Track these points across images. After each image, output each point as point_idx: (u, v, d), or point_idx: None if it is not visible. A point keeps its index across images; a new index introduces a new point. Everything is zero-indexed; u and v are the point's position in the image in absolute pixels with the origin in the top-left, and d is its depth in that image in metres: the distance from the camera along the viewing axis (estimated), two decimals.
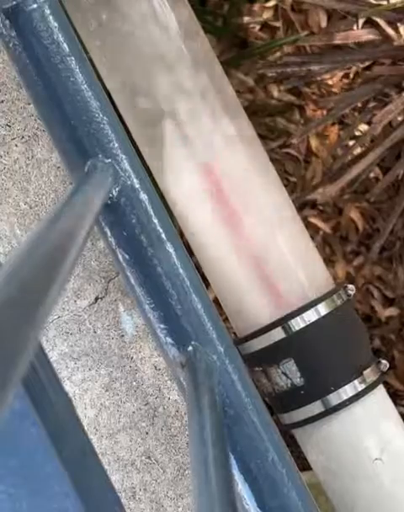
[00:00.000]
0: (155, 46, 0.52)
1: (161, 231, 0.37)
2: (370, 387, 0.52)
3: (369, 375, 0.52)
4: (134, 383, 0.46)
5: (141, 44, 0.52)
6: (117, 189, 0.37)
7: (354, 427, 0.52)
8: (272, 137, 1.24)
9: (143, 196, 0.37)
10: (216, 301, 0.57)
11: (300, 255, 0.54)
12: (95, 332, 0.46)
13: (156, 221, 0.37)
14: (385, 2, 1.02)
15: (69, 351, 0.46)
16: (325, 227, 1.26)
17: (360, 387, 0.52)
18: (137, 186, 0.37)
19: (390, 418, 0.53)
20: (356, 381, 0.52)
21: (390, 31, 1.01)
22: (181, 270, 0.37)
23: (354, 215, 1.24)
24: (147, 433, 0.45)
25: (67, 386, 0.45)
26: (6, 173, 0.46)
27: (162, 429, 0.45)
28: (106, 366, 0.46)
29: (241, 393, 0.36)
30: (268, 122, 1.23)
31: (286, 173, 1.25)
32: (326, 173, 1.22)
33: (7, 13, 0.37)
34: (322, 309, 0.52)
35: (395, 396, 1.25)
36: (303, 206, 1.25)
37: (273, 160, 1.31)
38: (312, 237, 1.26)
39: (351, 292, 0.54)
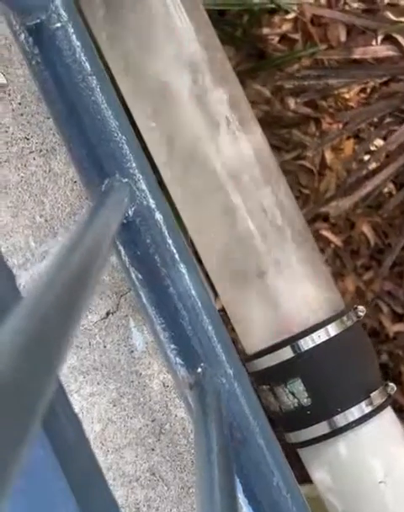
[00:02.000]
0: (174, 64, 0.52)
1: (175, 251, 0.37)
2: (377, 410, 0.52)
3: (377, 397, 0.52)
4: (141, 399, 0.46)
5: (162, 64, 0.52)
6: (133, 208, 0.37)
7: (360, 449, 0.52)
8: (287, 149, 1.24)
9: (158, 216, 0.37)
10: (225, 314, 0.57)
11: (312, 275, 0.54)
12: (105, 346, 0.46)
13: (170, 241, 0.37)
14: None
15: (78, 365, 0.46)
16: (336, 241, 1.25)
17: (367, 409, 0.52)
18: (153, 206, 0.37)
19: (396, 442, 0.53)
20: (363, 403, 0.52)
21: None
22: (193, 292, 0.37)
23: (366, 229, 1.23)
24: (153, 449, 0.46)
25: (75, 400, 0.46)
26: (23, 186, 0.46)
27: (168, 446, 0.46)
28: (115, 381, 0.46)
29: (249, 417, 0.37)
30: (283, 134, 1.23)
31: (300, 185, 1.25)
32: (339, 186, 1.22)
33: (30, 30, 0.37)
34: (332, 330, 0.52)
35: (400, 412, 1.25)
36: (315, 219, 1.25)
37: (287, 171, 1.32)
38: (323, 250, 1.27)
39: (361, 313, 0.54)
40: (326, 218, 1.24)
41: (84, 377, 0.46)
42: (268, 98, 1.22)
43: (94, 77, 0.37)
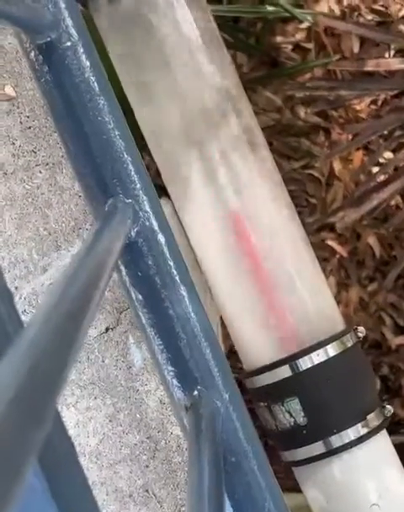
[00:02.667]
0: (187, 86, 0.52)
1: (175, 273, 0.37)
2: (373, 432, 0.52)
3: (373, 419, 0.52)
4: (137, 415, 0.46)
5: (174, 85, 0.52)
6: (136, 229, 0.37)
7: (354, 470, 0.52)
8: (295, 157, 1.24)
9: (161, 238, 0.37)
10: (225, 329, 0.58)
11: (314, 295, 0.54)
12: (103, 361, 0.46)
13: (171, 263, 0.37)
14: None
15: (76, 379, 0.46)
16: (342, 251, 1.25)
17: (363, 431, 0.52)
18: (156, 228, 0.37)
19: (390, 464, 0.53)
20: (359, 425, 0.52)
21: None
22: (192, 314, 0.37)
23: (372, 241, 1.23)
24: (147, 466, 0.46)
25: (72, 414, 0.46)
26: (28, 198, 0.46)
27: (162, 464, 0.46)
28: (111, 396, 0.46)
29: (243, 441, 0.37)
30: (292, 142, 1.23)
31: (307, 194, 1.25)
32: (347, 197, 1.22)
33: (40, 48, 0.37)
34: (331, 350, 0.52)
35: (398, 425, 1.24)
36: (321, 228, 1.25)
37: (294, 180, 1.32)
38: (328, 260, 1.27)
39: (361, 334, 0.54)
40: (332, 228, 1.24)
41: (81, 391, 0.46)
42: (278, 107, 1.22)
43: (102, 98, 0.37)
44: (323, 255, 1.26)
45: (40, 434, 0.21)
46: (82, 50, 0.37)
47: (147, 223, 0.37)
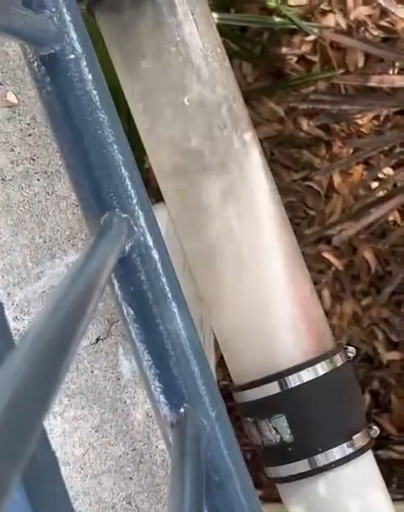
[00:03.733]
0: (189, 98, 0.52)
1: (168, 290, 0.37)
2: (358, 452, 0.52)
3: (359, 439, 0.52)
4: (124, 427, 0.46)
5: (175, 96, 0.52)
6: (130, 244, 0.37)
7: (338, 490, 0.52)
8: (296, 169, 1.25)
9: (155, 254, 0.37)
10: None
11: (306, 312, 0.54)
12: (92, 372, 0.46)
13: (164, 279, 0.37)
14: None
15: (64, 387, 0.46)
16: (338, 264, 1.26)
17: (348, 451, 0.52)
18: (151, 244, 0.37)
19: (374, 485, 0.53)
20: (345, 445, 0.52)
21: None
22: (183, 331, 0.37)
23: (368, 255, 1.24)
24: (131, 478, 0.46)
25: (58, 423, 0.46)
26: (25, 205, 0.46)
27: (146, 476, 0.46)
28: (99, 407, 0.46)
29: (228, 461, 0.37)
30: (293, 153, 1.24)
31: (305, 206, 1.26)
32: (345, 210, 1.23)
33: (43, 60, 0.37)
34: (320, 369, 0.52)
35: (387, 439, 1.25)
36: (318, 240, 1.25)
37: (294, 191, 1.32)
38: (324, 272, 1.27)
39: (351, 354, 0.54)
40: (329, 240, 1.24)
41: (69, 400, 0.46)
42: (281, 118, 1.22)
43: (103, 112, 0.37)
44: (319, 267, 1.26)
45: (29, 448, 0.21)
46: (85, 64, 0.37)
47: (142, 238, 0.37)
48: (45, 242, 0.47)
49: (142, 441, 0.46)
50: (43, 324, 0.26)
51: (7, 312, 0.46)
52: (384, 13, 1.15)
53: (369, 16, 1.17)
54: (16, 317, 0.46)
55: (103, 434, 0.46)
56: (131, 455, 0.46)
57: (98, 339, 0.46)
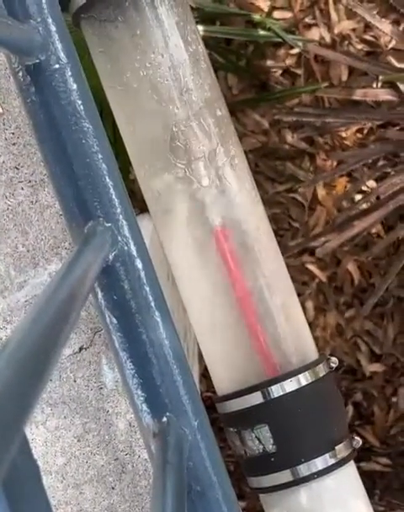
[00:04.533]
0: (172, 107, 0.53)
1: (151, 299, 0.38)
2: (341, 463, 0.52)
3: (341, 450, 0.52)
4: (106, 437, 0.46)
5: (158, 105, 0.52)
6: (113, 253, 0.37)
7: (320, 500, 0.52)
8: (280, 181, 1.25)
9: (138, 263, 0.38)
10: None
11: (289, 323, 0.54)
12: (75, 381, 0.46)
13: (147, 288, 0.38)
14: None
15: (47, 397, 0.46)
16: (321, 276, 1.26)
17: (331, 461, 0.52)
18: (134, 253, 0.38)
19: (356, 496, 0.53)
20: (327, 455, 0.52)
21: None
22: (166, 341, 0.37)
23: (352, 267, 1.24)
24: (113, 488, 0.46)
25: (41, 432, 0.46)
26: (8, 214, 0.46)
27: (128, 486, 0.46)
28: (81, 416, 0.46)
29: (209, 470, 0.37)
30: (277, 165, 1.24)
31: (290, 218, 1.26)
32: (329, 222, 1.23)
33: (29, 69, 0.37)
34: (303, 379, 0.52)
35: (369, 451, 1.25)
36: (302, 252, 1.25)
37: (278, 203, 1.33)
38: (307, 284, 1.27)
39: (334, 365, 0.54)
40: (313, 252, 1.25)
41: (51, 410, 0.46)
42: (265, 130, 1.23)
43: (87, 121, 0.37)
44: (303, 279, 1.27)
45: (9, 455, 0.22)
46: (69, 73, 0.37)
47: (126, 248, 0.38)
48: (28, 250, 0.47)
49: (124, 451, 0.46)
50: (25, 332, 0.26)
51: None
52: (368, 27, 1.17)
53: (353, 30, 1.18)
54: None
55: (85, 443, 0.46)
56: (113, 464, 0.46)
57: (81, 348, 0.46)
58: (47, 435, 0.46)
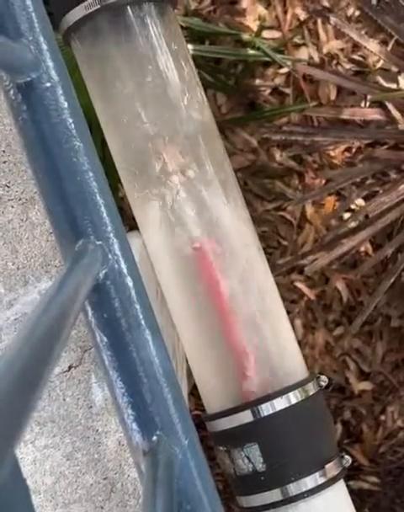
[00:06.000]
0: (162, 124, 0.53)
1: (141, 317, 0.37)
2: (330, 482, 0.52)
3: (331, 469, 0.52)
4: (96, 455, 0.46)
5: (148, 121, 0.53)
6: (104, 271, 0.37)
7: None
8: (268, 199, 1.26)
9: (129, 281, 0.38)
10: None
11: (279, 341, 0.54)
12: (64, 399, 0.46)
13: (137, 307, 0.37)
14: (394, 86, 1.04)
15: (36, 415, 0.46)
16: (310, 294, 1.26)
17: (321, 480, 0.52)
18: (125, 271, 0.37)
19: None
20: (317, 474, 0.52)
21: (396, 114, 1.02)
22: (156, 359, 0.37)
23: (340, 285, 1.24)
24: (102, 507, 0.45)
25: (29, 451, 0.45)
26: None
27: (117, 506, 0.45)
28: (70, 435, 0.46)
29: (200, 490, 0.37)
30: (266, 183, 1.25)
31: (278, 236, 1.26)
32: (317, 241, 1.23)
33: (20, 87, 0.37)
34: (293, 397, 0.52)
35: (358, 470, 1.25)
36: (291, 270, 1.26)
37: (267, 221, 1.33)
38: (296, 302, 1.27)
39: (323, 383, 0.54)
40: (301, 270, 1.25)
41: (40, 428, 0.46)
42: (254, 148, 1.23)
43: (78, 139, 0.37)
44: (291, 297, 1.27)
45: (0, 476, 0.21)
46: (61, 92, 0.37)
47: (116, 266, 0.37)
48: (18, 268, 0.46)
49: (114, 470, 0.46)
50: (15, 351, 0.26)
51: None
52: (356, 46, 1.17)
53: (342, 50, 1.19)
54: None
55: (74, 462, 0.46)
56: (103, 484, 0.45)
57: (70, 367, 0.46)
58: (36, 454, 0.46)
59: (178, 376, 0.40)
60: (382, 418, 1.25)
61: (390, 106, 1.00)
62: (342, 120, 1.09)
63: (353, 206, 1.20)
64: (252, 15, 1.20)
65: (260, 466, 0.52)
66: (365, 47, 0.99)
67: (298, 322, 1.27)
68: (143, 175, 0.54)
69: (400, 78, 1.11)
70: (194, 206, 0.54)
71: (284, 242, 1.26)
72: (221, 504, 0.38)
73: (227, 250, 0.54)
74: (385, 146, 1.08)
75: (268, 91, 1.22)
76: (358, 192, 1.11)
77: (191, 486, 0.37)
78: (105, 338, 0.38)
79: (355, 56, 1.19)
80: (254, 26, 1.19)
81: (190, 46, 1.07)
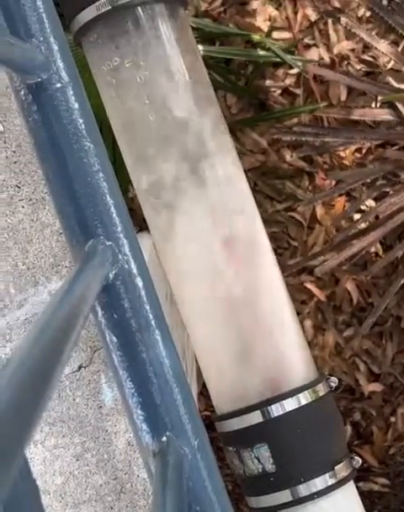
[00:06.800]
0: (173, 127, 0.53)
1: (151, 317, 0.37)
2: (340, 483, 0.52)
3: (341, 470, 0.52)
4: (105, 456, 0.46)
5: (159, 124, 0.53)
6: (114, 271, 0.37)
7: None
8: (279, 199, 1.25)
9: (139, 282, 0.38)
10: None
11: (289, 342, 0.54)
12: (74, 400, 0.46)
13: (147, 307, 0.37)
14: None
15: (45, 415, 0.46)
16: (320, 295, 1.26)
17: (330, 482, 0.52)
18: (135, 271, 0.37)
19: None
20: (327, 475, 0.52)
21: None
22: (166, 360, 0.37)
23: (350, 286, 1.24)
24: (112, 507, 0.45)
25: (39, 451, 0.45)
26: (9, 232, 0.46)
27: (127, 506, 0.45)
28: (80, 435, 0.46)
29: (209, 491, 0.37)
30: (276, 184, 1.25)
31: (289, 237, 1.26)
32: (327, 241, 1.23)
33: (30, 88, 0.37)
34: (303, 398, 0.52)
35: (368, 471, 1.24)
36: (301, 271, 1.25)
37: (277, 222, 1.33)
38: (306, 303, 1.27)
39: (333, 384, 0.54)
40: (311, 271, 1.25)
41: (50, 429, 0.46)
42: (264, 149, 1.23)
43: (89, 140, 0.37)
44: (301, 298, 1.27)
45: (11, 476, 0.21)
46: (71, 93, 0.37)
47: (126, 266, 0.37)
48: (28, 269, 0.47)
49: (123, 470, 0.46)
50: (26, 351, 0.26)
51: None
52: (366, 47, 1.17)
53: (352, 50, 1.19)
54: None
55: (83, 462, 0.46)
56: (112, 484, 0.45)
57: (80, 367, 0.46)
58: (46, 454, 0.46)
59: (188, 377, 0.40)
60: (392, 419, 1.25)
61: (400, 107, 1.00)
62: (353, 121, 1.09)
63: (363, 207, 1.19)
64: (263, 16, 1.20)
65: (270, 467, 0.52)
66: (376, 48, 0.99)
67: (308, 322, 1.27)
68: (152, 169, 0.54)
69: None
70: (207, 205, 0.53)
71: (294, 243, 1.26)
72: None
73: (240, 249, 0.54)
74: (396, 147, 1.08)
75: (279, 92, 1.22)
76: (368, 193, 1.11)
77: (201, 487, 0.37)
78: (115, 339, 0.38)
79: (366, 57, 1.18)
80: (264, 27, 1.19)
81: (200, 47, 1.07)
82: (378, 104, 1.11)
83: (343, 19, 0.96)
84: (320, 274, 1.18)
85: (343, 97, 1.18)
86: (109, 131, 0.55)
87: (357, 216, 1.19)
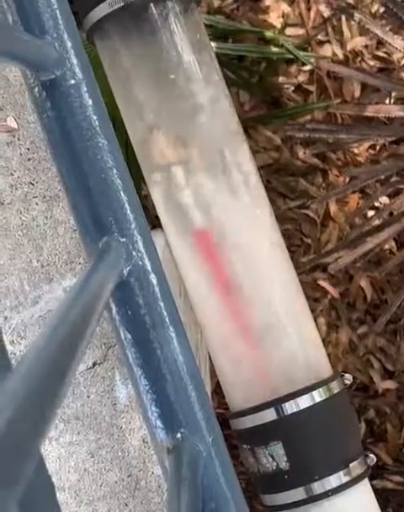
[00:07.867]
0: (188, 123, 0.53)
1: (165, 314, 0.37)
2: (355, 481, 0.52)
3: (356, 468, 0.52)
4: (120, 453, 0.46)
5: (171, 119, 0.53)
6: (128, 268, 0.37)
7: None
8: (292, 197, 1.25)
9: (153, 278, 0.38)
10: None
11: (302, 339, 0.54)
12: (88, 397, 0.46)
13: (161, 304, 0.37)
14: None
15: (60, 412, 0.46)
16: (334, 292, 1.26)
17: (345, 479, 0.51)
18: (148, 268, 0.37)
19: None
20: (341, 473, 0.51)
21: None
22: (180, 357, 0.37)
23: (364, 284, 1.24)
24: (127, 504, 0.45)
25: (54, 448, 0.45)
26: (23, 229, 0.46)
27: (141, 503, 0.45)
28: (95, 432, 0.46)
29: (224, 487, 0.37)
30: (289, 181, 1.24)
31: (302, 234, 1.26)
32: (341, 239, 1.23)
33: (44, 85, 0.37)
34: (317, 396, 0.52)
35: (382, 469, 1.24)
36: (314, 268, 1.25)
37: (290, 219, 1.33)
38: (319, 300, 1.27)
39: (348, 382, 0.54)
40: (325, 268, 1.25)
41: (65, 425, 0.46)
42: (277, 146, 1.23)
43: (102, 137, 0.37)
44: (315, 295, 1.26)
45: (26, 473, 0.21)
46: (85, 89, 0.37)
47: (140, 263, 0.37)
48: (42, 266, 0.47)
49: (138, 467, 0.46)
50: (40, 348, 0.26)
51: (4, 335, 0.46)
52: (380, 43, 1.17)
53: (366, 46, 1.19)
54: (13, 341, 0.46)
55: (98, 459, 0.46)
56: (127, 481, 0.45)
57: (94, 364, 0.46)
58: (60, 451, 0.46)
59: (202, 374, 0.40)
60: None
61: None
62: (367, 118, 1.09)
63: (377, 204, 1.19)
64: (276, 12, 1.19)
65: (284, 465, 0.51)
66: (390, 44, 0.98)
67: (321, 320, 1.27)
68: (164, 169, 0.54)
69: None
70: (215, 201, 0.53)
71: (308, 240, 1.26)
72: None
73: (252, 248, 0.54)
74: None
75: (292, 88, 1.21)
76: (382, 189, 1.11)
77: (216, 484, 0.37)
78: (129, 336, 0.38)
79: (379, 53, 1.18)
80: (277, 23, 1.19)
81: (213, 44, 1.06)
82: (392, 101, 1.11)
83: (357, 15, 0.96)
84: (333, 272, 1.18)
85: (357, 93, 1.17)
86: (122, 128, 0.55)
87: (371, 213, 1.19)
